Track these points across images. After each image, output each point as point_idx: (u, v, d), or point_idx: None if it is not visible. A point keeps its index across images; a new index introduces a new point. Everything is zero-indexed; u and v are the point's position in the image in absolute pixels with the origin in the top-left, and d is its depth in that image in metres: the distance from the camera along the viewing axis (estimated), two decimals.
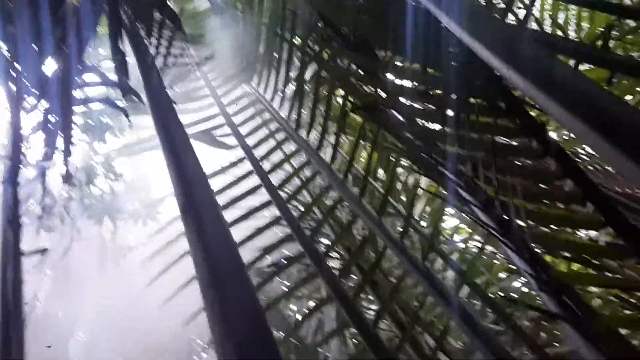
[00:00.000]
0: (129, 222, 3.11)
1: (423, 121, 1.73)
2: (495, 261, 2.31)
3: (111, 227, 3.05)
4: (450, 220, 2.89)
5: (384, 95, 1.87)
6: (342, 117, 2.27)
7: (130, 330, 3.08)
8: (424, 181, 2.46)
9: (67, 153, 1.73)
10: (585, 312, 1.12)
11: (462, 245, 2.61)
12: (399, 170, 2.52)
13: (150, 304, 2.80)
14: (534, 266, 1.17)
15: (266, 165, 2.67)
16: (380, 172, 2.64)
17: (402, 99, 1.76)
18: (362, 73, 1.99)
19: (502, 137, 1.49)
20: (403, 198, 2.59)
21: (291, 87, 2.74)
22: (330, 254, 2.26)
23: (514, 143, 1.48)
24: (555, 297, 1.16)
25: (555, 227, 1.39)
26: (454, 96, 1.57)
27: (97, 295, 2.75)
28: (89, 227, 3.02)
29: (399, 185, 2.56)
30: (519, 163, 1.51)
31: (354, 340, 2.59)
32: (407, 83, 1.79)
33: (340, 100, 2.43)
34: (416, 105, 1.70)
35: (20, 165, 1.55)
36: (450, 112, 1.59)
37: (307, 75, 2.55)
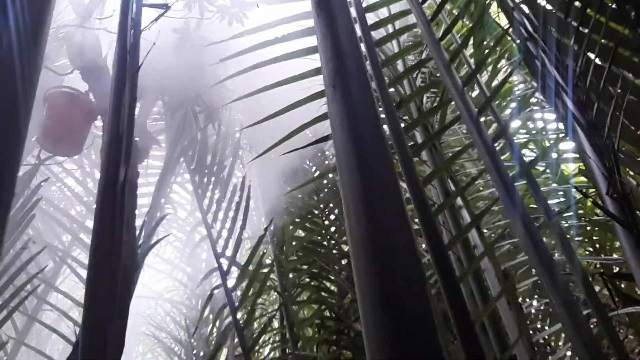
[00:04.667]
0: (216, 17, 3.13)
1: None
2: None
3: (197, 15, 3.08)
4: None
5: None
6: None
7: None
8: None
9: None
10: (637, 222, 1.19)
11: None
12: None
13: None
14: (610, 172, 1.22)
15: None
16: None
17: None
18: None
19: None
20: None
21: None
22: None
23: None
24: (619, 204, 1.22)
25: None
26: None
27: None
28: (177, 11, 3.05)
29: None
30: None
31: None
32: None
33: None
34: None
35: None
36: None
37: None
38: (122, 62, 1.19)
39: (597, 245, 3.20)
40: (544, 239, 1.75)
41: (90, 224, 3.51)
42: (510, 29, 2.14)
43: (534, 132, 3.75)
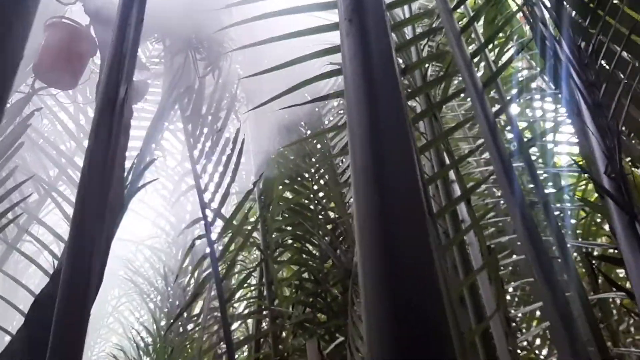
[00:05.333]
0: None
1: None
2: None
3: None
4: None
5: None
6: None
7: None
8: None
9: None
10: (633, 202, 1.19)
11: None
12: None
13: None
14: (611, 151, 1.22)
15: None
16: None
17: None
18: None
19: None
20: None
21: None
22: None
23: None
24: (615, 184, 1.22)
25: None
26: None
27: None
28: None
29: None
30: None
31: None
32: None
33: None
34: None
35: None
36: None
37: None
38: None
39: (580, 239, 3.25)
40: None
41: (79, 160, 3.48)
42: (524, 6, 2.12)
43: (532, 120, 3.76)
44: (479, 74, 2.85)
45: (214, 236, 3.06)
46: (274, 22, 2.33)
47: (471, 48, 2.92)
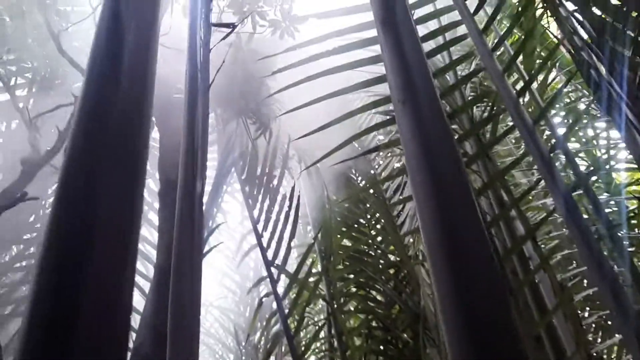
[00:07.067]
0: (267, 30, 3.19)
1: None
2: None
3: (249, 29, 3.14)
4: None
5: None
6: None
7: None
8: None
9: None
10: None
11: None
12: None
13: None
14: None
15: None
16: None
17: None
18: None
19: None
20: None
21: None
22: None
23: None
24: None
25: None
26: None
27: None
28: (229, 19, 3.13)
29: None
30: None
31: None
32: None
33: None
34: None
35: None
36: None
37: None
38: (193, 81, 1.25)
39: None
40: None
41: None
42: (564, 39, 2.13)
43: (584, 140, 3.71)
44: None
45: (279, 291, 3.10)
46: (318, 81, 2.40)
47: (513, 79, 2.94)
